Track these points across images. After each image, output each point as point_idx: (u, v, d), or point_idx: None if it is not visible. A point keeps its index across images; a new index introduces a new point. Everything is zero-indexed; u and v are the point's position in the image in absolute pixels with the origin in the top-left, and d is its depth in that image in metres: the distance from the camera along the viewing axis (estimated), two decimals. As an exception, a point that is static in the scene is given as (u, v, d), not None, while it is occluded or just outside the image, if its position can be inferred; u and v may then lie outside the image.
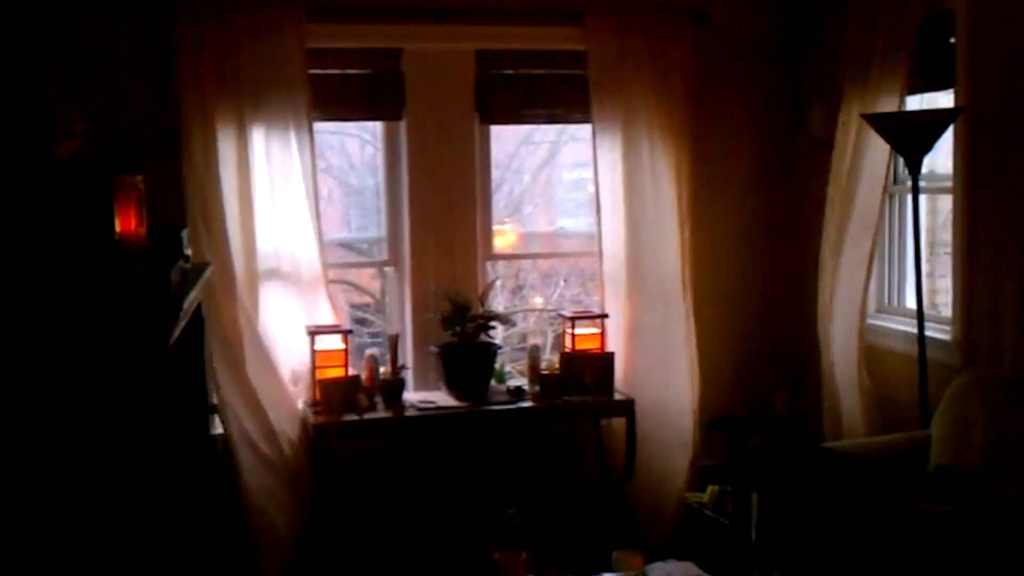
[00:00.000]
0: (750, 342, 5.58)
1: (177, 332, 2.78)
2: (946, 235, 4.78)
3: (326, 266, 4.99)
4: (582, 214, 6.06)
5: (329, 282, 5.01)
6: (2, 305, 2.42)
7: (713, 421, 5.29)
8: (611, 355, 5.20)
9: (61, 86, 4.43)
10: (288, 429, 4.87)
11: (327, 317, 4.98)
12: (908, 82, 4.52)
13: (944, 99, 4.56)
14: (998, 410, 3.78)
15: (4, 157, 2.70)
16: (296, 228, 4.92)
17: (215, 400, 4.68)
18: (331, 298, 5.01)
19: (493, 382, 5.14)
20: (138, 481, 2.51)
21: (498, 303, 5.89)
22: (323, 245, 4.96)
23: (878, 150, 4.64)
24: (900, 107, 4.53)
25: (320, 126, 5.03)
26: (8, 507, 2.41)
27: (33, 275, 2.52)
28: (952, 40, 4.41)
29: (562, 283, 6.50)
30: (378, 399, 4.93)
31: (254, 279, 4.85)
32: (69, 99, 4.36)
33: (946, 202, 4.72)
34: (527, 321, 6.28)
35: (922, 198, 4.41)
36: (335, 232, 6.27)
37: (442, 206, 5.24)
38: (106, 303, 2.48)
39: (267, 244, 4.89)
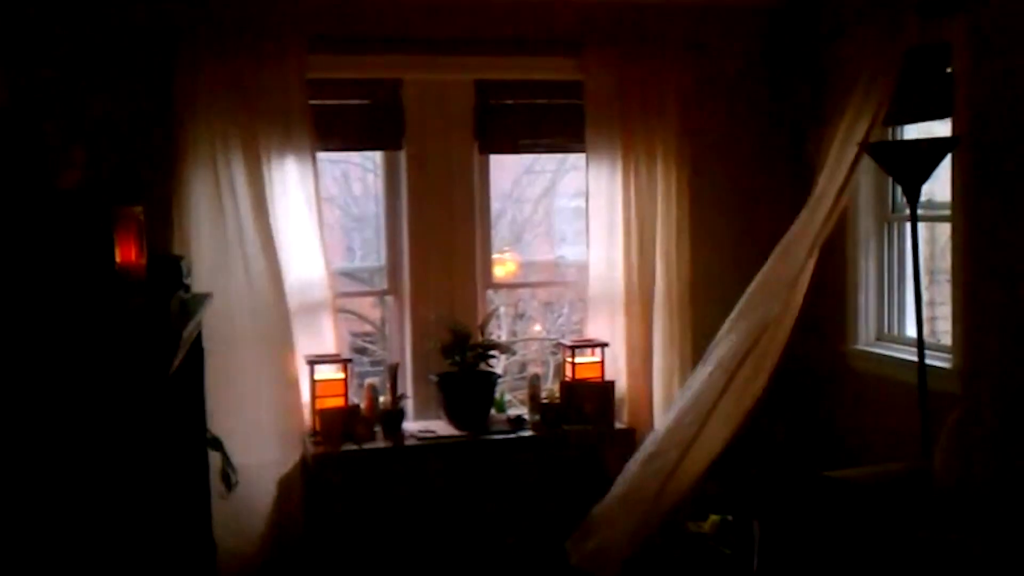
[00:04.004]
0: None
1: (177, 362, 2.79)
2: (945, 262, 4.79)
3: (335, 293, 5.03)
4: (583, 243, 6.06)
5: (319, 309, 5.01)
6: (2, 335, 2.42)
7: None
8: (611, 384, 5.19)
9: (62, 117, 4.47)
10: (285, 459, 4.86)
11: (329, 346, 4.98)
12: (887, 111, 4.54)
13: (941, 128, 4.58)
14: (998, 438, 3.77)
15: (5, 185, 2.71)
16: (300, 257, 4.93)
17: (213, 429, 4.67)
18: (336, 327, 5.01)
19: (493, 411, 5.13)
20: (137, 509, 2.51)
21: (499, 332, 5.90)
22: (331, 272, 5.00)
23: (874, 178, 4.67)
24: (879, 136, 4.54)
25: (321, 155, 5.04)
26: (9, 531, 2.40)
27: (33, 305, 2.52)
28: (949, 70, 4.44)
29: (568, 310, 6.50)
30: (378, 429, 4.93)
31: (255, 308, 4.84)
32: (70, 130, 4.41)
33: (944, 230, 4.73)
34: (527, 350, 6.28)
35: (921, 226, 4.42)
36: (336, 261, 6.28)
37: (442, 235, 5.26)
38: (106, 333, 2.48)
39: (269, 273, 4.88)
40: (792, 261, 4.74)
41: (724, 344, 4.78)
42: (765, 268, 4.86)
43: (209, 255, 4.78)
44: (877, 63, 4.58)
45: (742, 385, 4.69)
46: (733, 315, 4.85)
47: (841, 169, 4.64)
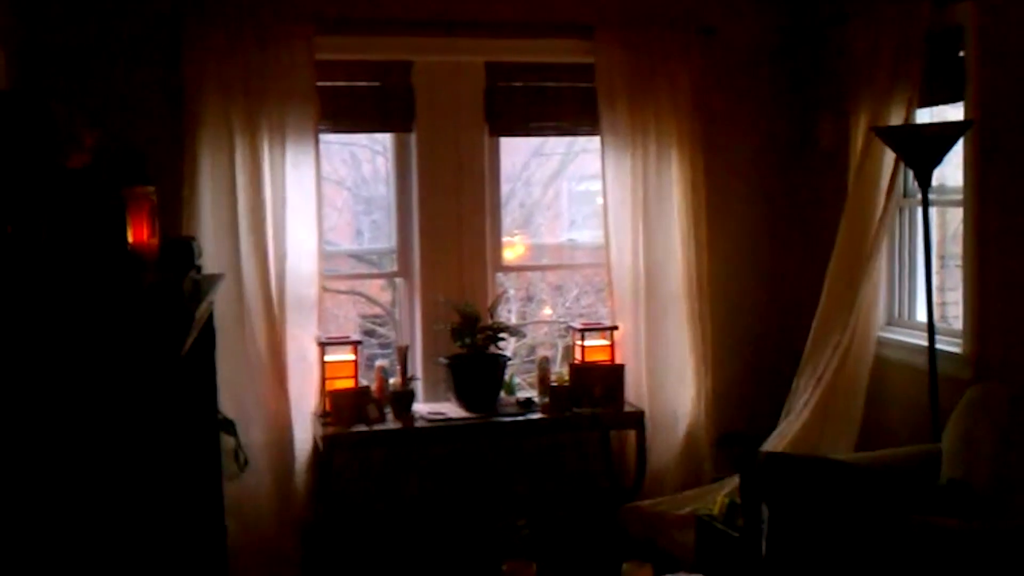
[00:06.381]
0: (762, 354, 5.56)
1: (189, 342, 2.79)
2: (956, 248, 4.78)
3: (323, 278, 5.00)
4: (592, 226, 6.06)
5: (328, 292, 4.99)
6: (14, 315, 2.43)
7: (721, 437, 5.28)
8: (621, 367, 5.20)
9: (72, 98, 4.47)
10: (295, 439, 4.87)
11: (314, 327, 4.96)
12: (919, 94, 4.52)
13: (953, 112, 4.56)
14: (1009, 423, 3.77)
15: (16, 167, 2.71)
16: (299, 239, 4.92)
17: (223, 409, 4.68)
18: (321, 312, 4.99)
19: (502, 394, 5.14)
20: (149, 491, 2.52)
21: (508, 315, 5.90)
22: (323, 256, 4.98)
23: (888, 163, 4.65)
24: (908, 120, 4.53)
25: (332, 138, 5.02)
26: (16, 514, 2.41)
27: (45, 286, 2.53)
28: (961, 53, 4.42)
29: (575, 292, 6.51)
30: (388, 410, 4.94)
31: (264, 289, 4.85)
32: (79, 111, 4.40)
33: (956, 214, 4.71)
34: (537, 333, 6.29)
35: (932, 210, 4.41)
36: (346, 243, 6.28)
37: (452, 218, 5.26)
38: (118, 313, 2.48)
39: (277, 254, 4.88)
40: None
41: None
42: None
43: (217, 236, 4.78)
44: (900, 46, 4.55)
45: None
46: None
47: (884, 155, 4.62)
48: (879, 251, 4.75)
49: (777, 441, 4.84)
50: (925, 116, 4.74)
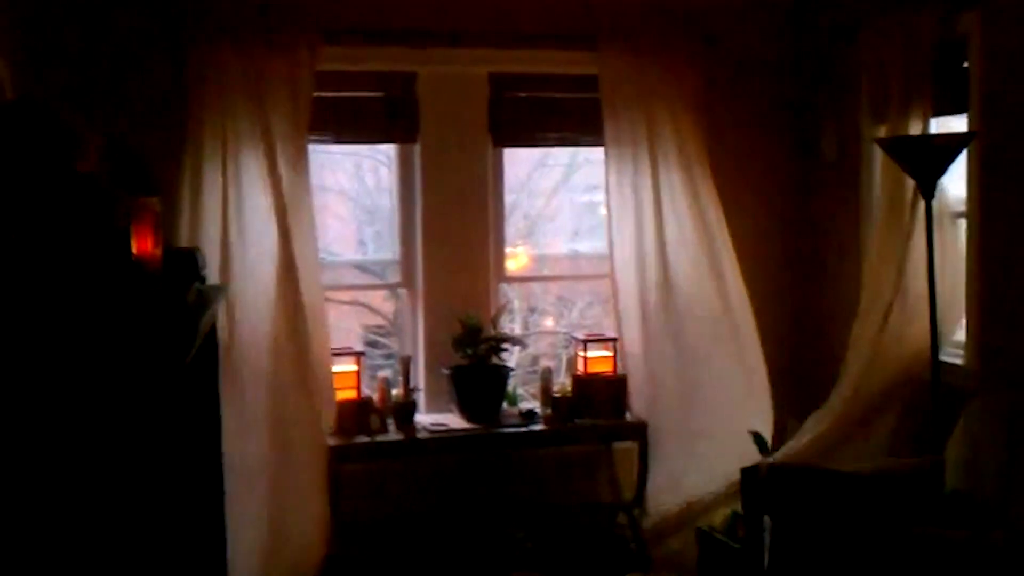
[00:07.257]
0: (770, 360, 5.53)
1: (193, 352, 2.79)
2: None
3: (321, 288, 4.97)
4: (595, 237, 6.06)
5: (331, 302, 4.98)
6: (18, 325, 2.43)
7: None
8: (624, 378, 5.19)
9: (75, 106, 4.48)
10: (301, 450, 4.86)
11: (324, 339, 4.95)
12: (931, 106, 4.50)
13: (957, 123, 4.56)
14: (1012, 435, 3.76)
15: (24, 175, 2.72)
16: (300, 249, 4.89)
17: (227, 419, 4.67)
18: (323, 322, 4.98)
19: (505, 405, 5.14)
20: (151, 501, 2.52)
21: (511, 326, 5.90)
22: (318, 267, 4.94)
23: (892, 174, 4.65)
24: (924, 131, 4.51)
25: (336, 148, 5.02)
26: (19, 523, 2.41)
27: (50, 295, 2.53)
28: (966, 65, 4.42)
29: (580, 305, 6.50)
30: (390, 421, 4.94)
31: (268, 300, 4.84)
32: (84, 119, 4.41)
33: (959, 225, 4.70)
34: (540, 344, 6.28)
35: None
36: (349, 253, 6.29)
37: (455, 228, 5.26)
38: (122, 323, 2.49)
39: (280, 265, 4.87)
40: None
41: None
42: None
43: (220, 246, 4.77)
44: (910, 58, 4.55)
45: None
46: None
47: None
48: (907, 266, 4.69)
49: (785, 452, 4.80)
50: (931, 127, 4.74)
